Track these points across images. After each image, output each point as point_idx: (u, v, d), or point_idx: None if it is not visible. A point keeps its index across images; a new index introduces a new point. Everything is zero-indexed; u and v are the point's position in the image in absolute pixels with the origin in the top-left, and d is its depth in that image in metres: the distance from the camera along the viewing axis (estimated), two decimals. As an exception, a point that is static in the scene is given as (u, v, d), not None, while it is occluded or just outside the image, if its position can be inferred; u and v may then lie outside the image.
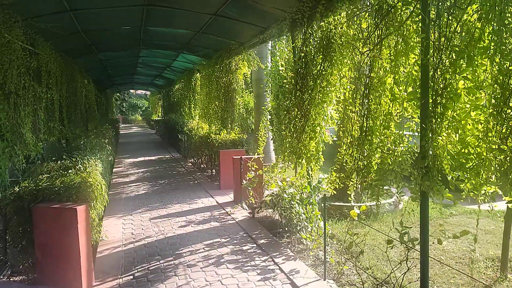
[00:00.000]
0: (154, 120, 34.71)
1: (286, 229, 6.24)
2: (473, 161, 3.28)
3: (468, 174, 3.30)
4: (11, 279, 4.99)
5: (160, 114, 32.46)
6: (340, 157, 5.00)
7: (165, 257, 5.70)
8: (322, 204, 5.02)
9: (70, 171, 5.58)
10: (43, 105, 7.16)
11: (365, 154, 4.46)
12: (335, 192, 5.49)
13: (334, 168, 5.16)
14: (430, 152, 3.54)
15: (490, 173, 3.17)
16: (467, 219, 7.25)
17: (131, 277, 5.09)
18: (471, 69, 3.23)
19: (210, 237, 6.52)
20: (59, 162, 5.96)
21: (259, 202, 7.37)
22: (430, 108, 3.53)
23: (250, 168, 7.41)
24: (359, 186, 4.78)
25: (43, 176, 5.24)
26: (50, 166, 5.76)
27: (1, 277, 4.96)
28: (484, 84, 3.16)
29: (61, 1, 6.28)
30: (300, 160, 6.10)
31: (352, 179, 4.76)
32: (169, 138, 21.50)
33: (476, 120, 3.29)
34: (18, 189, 4.82)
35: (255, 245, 6.08)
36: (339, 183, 5.07)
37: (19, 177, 5.61)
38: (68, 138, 9.73)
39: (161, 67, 17.30)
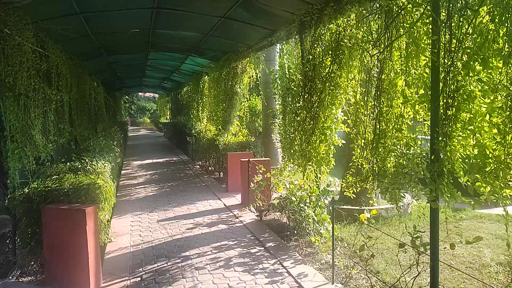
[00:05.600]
0: (162, 122, 34.85)
1: (295, 232, 6.20)
2: (492, 165, 3.22)
3: (487, 178, 3.24)
4: (19, 280, 5.01)
5: (168, 116, 32.58)
6: (355, 160, 4.96)
7: (173, 259, 5.69)
8: (331, 207, 4.99)
9: (79, 172, 5.61)
10: (53, 107, 7.20)
11: (380, 157, 4.42)
12: (354, 196, 5.43)
13: (350, 172, 5.12)
14: (442, 155, 3.50)
15: (509, 176, 3.12)
16: (478, 223, 7.17)
17: (139, 278, 5.09)
18: (485, 71, 3.18)
19: (217, 239, 6.50)
20: (68, 163, 5.99)
21: (266, 205, 7.35)
22: (441, 111, 3.49)
23: (257, 171, 7.39)
24: (377, 189, 4.73)
25: (52, 177, 5.27)
26: (60, 168, 5.79)
27: (10, 277, 4.99)
28: (500, 86, 3.11)
29: (71, 4, 6.32)
30: (310, 163, 6.07)
31: (368, 183, 4.71)
32: (177, 140, 21.56)
33: (493, 123, 3.23)
34: (27, 190, 4.84)
35: (262, 248, 6.05)
36: (357, 187, 5.02)
37: (29, 178, 5.64)
38: (78, 140, 9.78)
39: (170, 70, 17.36)
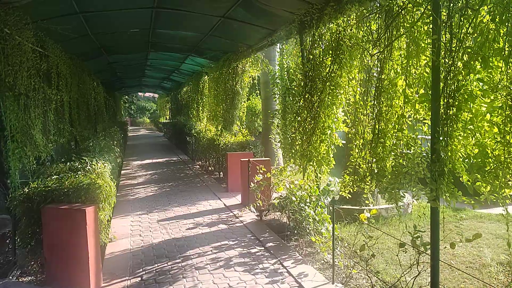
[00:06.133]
0: (162, 122, 34.85)
1: (295, 231, 6.20)
2: (492, 164, 3.22)
3: (487, 177, 3.24)
4: (20, 280, 5.01)
5: (168, 116, 32.57)
6: (353, 160, 4.95)
7: (173, 259, 5.69)
8: (331, 207, 4.99)
9: (79, 172, 5.60)
10: (53, 106, 7.20)
11: (379, 157, 4.41)
12: (350, 196, 5.42)
13: (347, 172, 5.11)
14: (442, 155, 3.50)
15: (509, 176, 3.12)
16: (478, 223, 7.17)
17: (139, 278, 5.08)
18: (485, 70, 3.18)
19: (217, 239, 6.50)
20: (68, 163, 5.98)
21: (267, 204, 7.35)
22: (442, 110, 3.49)
23: (258, 171, 7.39)
24: (375, 189, 4.72)
25: (53, 177, 5.27)
26: (60, 168, 5.79)
27: (10, 277, 4.98)
28: (500, 86, 3.11)
29: (71, 3, 6.32)
30: (310, 163, 6.07)
31: (366, 182, 4.71)
32: (177, 140, 21.56)
33: (493, 122, 3.23)
34: (27, 190, 4.84)
35: (263, 248, 6.05)
36: (354, 187, 5.01)
37: (29, 178, 5.64)
38: (77, 139, 9.78)
39: (170, 70, 17.36)
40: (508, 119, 3.04)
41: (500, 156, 3.17)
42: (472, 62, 3.22)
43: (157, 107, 45.51)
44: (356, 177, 4.93)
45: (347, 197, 5.46)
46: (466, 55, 3.29)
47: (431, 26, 3.59)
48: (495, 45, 3.10)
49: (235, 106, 11.21)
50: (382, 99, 4.39)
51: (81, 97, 10.33)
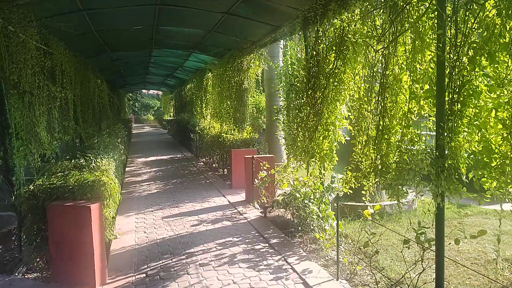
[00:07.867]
0: (166, 119, 34.92)
1: (299, 228, 6.20)
2: (498, 160, 3.20)
3: (493, 173, 3.22)
4: (25, 276, 5.04)
5: (172, 114, 32.63)
6: (355, 156, 4.93)
7: (177, 256, 5.70)
8: (335, 204, 4.98)
9: (84, 169, 5.62)
10: (57, 104, 7.22)
11: (383, 153, 4.39)
12: (351, 192, 5.41)
13: (349, 168, 5.10)
14: (447, 151, 3.48)
15: None
16: (483, 220, 7.14)
17: (144, 275, 5.10)
18: (491, 66, 3.15)
19: (222, 236, 6.51)
20: (73, 160, 6.00)
21: (271, 201, 7.34)
22: (447, 106, 3.47)
23: (262, 168, 7.38)
24: (378, 185, 4.70)
25: (57, 174, 5.28)
26: (64, 165, 5.80)
27: (16, 274, 5.02)
28: (506, 81, 3.08)
29: (75, 1, 6.33)
30: (313, 160, 6.05)
31: (369, 179, 4.69)
32: (181, 137, 21.59)
33: (499, 118, 3.20)
34: (32, 187, 4.86)
35: (267, 244, 6.05)
36: (355, 183, 4.99)
37: (34, 175, 5.66)
38: (82, 137, 9.81)
39: (173, 67, 17.37)
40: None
41: (506, 152, 3.15)
42: (477, 57, 3.20)
43: (161, 104, 45.58)
44: (357, 173, 4.91)
45: (353, 193, 5.44)
46: (472, 50, 3.26)
47: (436, 21, 3.56)
48: (501, 40, 3.07)
49: (244, 103, 11.18)
50: (387, 95, 4.36)
51: (85, 94, 10.36)
